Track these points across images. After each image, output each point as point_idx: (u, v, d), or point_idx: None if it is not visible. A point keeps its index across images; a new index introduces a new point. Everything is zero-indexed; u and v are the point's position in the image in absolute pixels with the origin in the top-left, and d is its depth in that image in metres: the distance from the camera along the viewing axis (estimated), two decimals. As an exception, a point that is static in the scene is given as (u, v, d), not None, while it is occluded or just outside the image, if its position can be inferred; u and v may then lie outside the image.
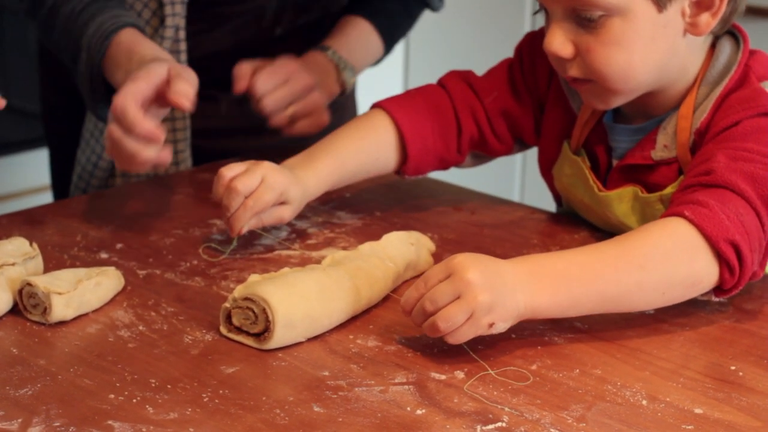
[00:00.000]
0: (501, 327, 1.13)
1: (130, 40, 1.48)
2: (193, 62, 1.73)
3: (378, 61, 1.83)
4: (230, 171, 1.35)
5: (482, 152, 1.52)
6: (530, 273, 1.14)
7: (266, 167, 1.36)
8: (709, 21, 1.28)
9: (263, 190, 1.34)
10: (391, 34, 1.81)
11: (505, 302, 1.12)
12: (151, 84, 1.37)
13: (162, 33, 1.65)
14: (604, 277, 1.16)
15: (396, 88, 3.30)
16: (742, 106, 1.28)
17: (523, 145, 1.54)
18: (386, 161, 1.48)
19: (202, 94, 1.65)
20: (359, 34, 1.76)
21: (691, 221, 1.18)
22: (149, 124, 1.34)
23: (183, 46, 1.70)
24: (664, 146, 1.35)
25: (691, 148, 1.33)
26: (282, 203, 1.37)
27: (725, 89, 1.31)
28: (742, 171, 1.22)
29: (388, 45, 1.81)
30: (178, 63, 1.43)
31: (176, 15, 1.66)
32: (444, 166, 1.52)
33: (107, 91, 1.50)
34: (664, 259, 1.17)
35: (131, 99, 1.34)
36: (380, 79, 2.79)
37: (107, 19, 1.50)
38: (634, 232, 1.20)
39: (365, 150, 1.46)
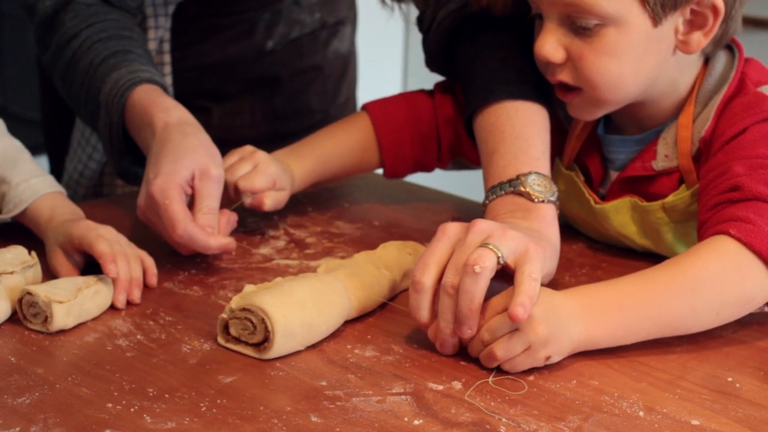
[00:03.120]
0: (556, 359, 1.14)
1: (144, 101, 1.42)
2: (183, 73, 1.73)
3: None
4: (225, 163, 1.45)
5: (466, 160, 1.54)
6: (584, 306, 1.15)
7: (260, 157, 1.46)
8: (700, 40, 1.28)
9: (255, 174, 1.43)
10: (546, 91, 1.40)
11: (561, 336, 1.13)
12: (184, 197, 1.35)
13: None
14: (657, 304, 1.16)
15: (394, 92, 3.30)
16: (747, 113, 1.29)
17: None
18: (369, 163, 1.55)
19: (194, 105, 1.65)
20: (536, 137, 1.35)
21: (737, 239, 1.18)
22: (220, 241, 1.34)
23: (167, 58, 1.69)
24: (665, 156, 1.35)
25: (695, 157, 1.33)
26: (279, 189, 1.45)
27: (725, 97, 1.32)
28: (765, 180, 1.23)
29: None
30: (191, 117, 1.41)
31: (160, 27, 1.66)
32: (424, 170, 1.58)
33: (129, 148, 1.48)
34: (715, 280, 1.17)
35: (191, 225, 1.32)
36: (379, 81, 2.80)
37: (123, 76, 1.44)
38: (683, 255, 1.20)
39: (349, 151, 1.53)
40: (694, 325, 1.19)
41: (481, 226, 1.15)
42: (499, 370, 1.14)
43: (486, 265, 1.11)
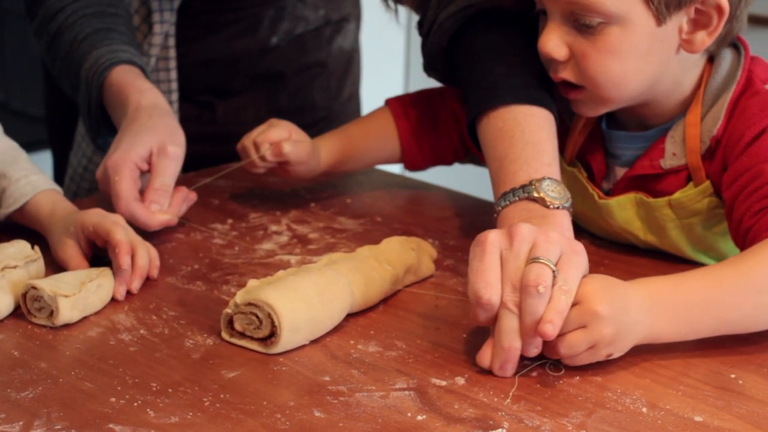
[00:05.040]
0: (616, 356, 1.14)
1: (122, 81, 1.48)
2: (188, 68, 1.74)
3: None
4: (244, 138, 1.53)
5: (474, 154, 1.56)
6: (653, 302, 1.14)
7: (273, 120, 1.53)
8: (704, 40, 1.28)
9: (268, 128, 1.51)
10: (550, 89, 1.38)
11: (626, 335, 1.12)
12: (137, 173, 1.40)
13: (150, 40, 1.66)
14: (722, 303, 1.16)
15: (397, 91, 3.30)
16: (764, 112, 1.29)
17: None
18: (392, 152, 1.58)
19: (199, 101, 1.66)
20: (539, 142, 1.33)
21: None
22: (159, 219, 1.39)
23: (172, 53, 1.70)
24: (672, 154, 1.35)
25: (704, 155, 1.33)
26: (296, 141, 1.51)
27: (734, 95, 1.31)
28: None
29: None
30: (169, 93, 1.45)
31: (165, 22, 1.67)
32: (443, 163, 1.60)
33: (106, 122, 1.52)
34: None
35: (134, 203, 1.37)
36: (382, 79, 2.80)
37: (104, 54, 1.50)
38: (746, 255, 1.19)
39: (372, 137, 1.58)
40: (758, 325, 1.18)
41: (523, 233, 1.13)
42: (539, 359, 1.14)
43: (547, 284, 1.10)
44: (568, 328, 1.11)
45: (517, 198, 1.25)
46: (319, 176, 1.59)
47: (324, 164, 1.55)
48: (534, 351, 1.12)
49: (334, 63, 1.89)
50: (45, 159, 2.10)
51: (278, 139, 1.49)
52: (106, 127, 1.54)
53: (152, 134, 1.40)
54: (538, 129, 1.32)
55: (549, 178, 1.26)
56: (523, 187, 1.25)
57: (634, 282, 1.15)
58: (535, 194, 1.24)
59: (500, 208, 1.27)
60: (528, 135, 1.31)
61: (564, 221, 1.24)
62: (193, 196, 1.46)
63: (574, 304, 1.11)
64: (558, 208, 1.24)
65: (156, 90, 1.49)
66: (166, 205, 1.39)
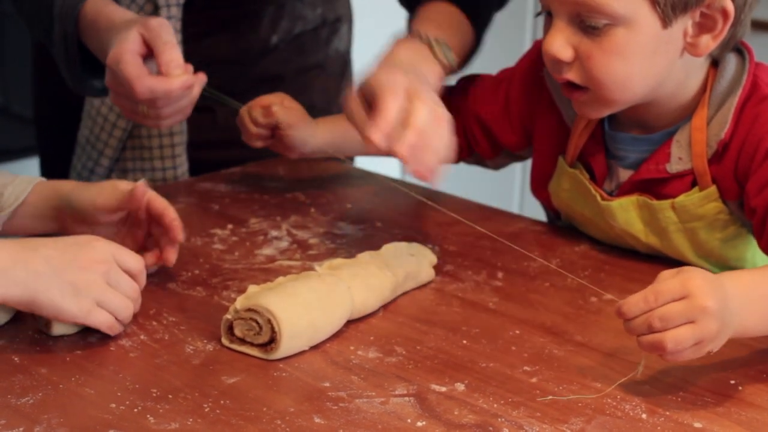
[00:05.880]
0: (714, 351, 1.12)
1: (96, 9, 1.48)
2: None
3: (473, 51, 1.61)
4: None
5: (480, 156, 1.56)
6: (744, 296, 1.13)
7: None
8: (708, 43, 1.28)
9: (260, 96, 1.57)
10: (478, 12, 1.58)
11: (726, 331, 1.11)
12: (140, 58, 1.40)
13: None
14: None
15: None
16: None
17: (513, 156, 1.57)
18: None
19: (198, 105, 1.65)
20: (442, 15, 1.54)
21: None
22: (178, 81, 1.39)
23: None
24: (678, 159, 1.35)
25: (711, 159, 1.33)
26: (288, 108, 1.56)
27: (740, 100, 1.32)
28: None
29: (478, 26, 1.58)
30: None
31: (172, 17, 1.67)
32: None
33: (85, 62, 1.52)
34: None
35: (147, 78, 1.37)
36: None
37: None
38: None
39: None
40: None
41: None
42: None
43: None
44: (675, 322, 1.08)
45: (417, 38, 1.43)
46: (319, 173, 1.58)
47: (320, 138, 1.57)
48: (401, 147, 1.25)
49: (332, 65, 1.89)
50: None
51: (268, 103, 1.55)
52: (86, 66, 1.52)
53: (132, 24, 1.40)
54: (462, 33, 1.52)
55: (449, 47, 1.44)
56: (427, 36, 1.43)
57: (724, 276, 1.14)
58: (433, 45, 1.43)
59: (397, 38, 1.43)
60: (455, 26, 1.51)
61: (439, 74, 1.43)
62: (202, 78, 1.45)
63: (681, 297, 1.09)
64: (442, 64, 1.43)
65: (132, 13, 1.49)
66: (180, 60, 1.39)
